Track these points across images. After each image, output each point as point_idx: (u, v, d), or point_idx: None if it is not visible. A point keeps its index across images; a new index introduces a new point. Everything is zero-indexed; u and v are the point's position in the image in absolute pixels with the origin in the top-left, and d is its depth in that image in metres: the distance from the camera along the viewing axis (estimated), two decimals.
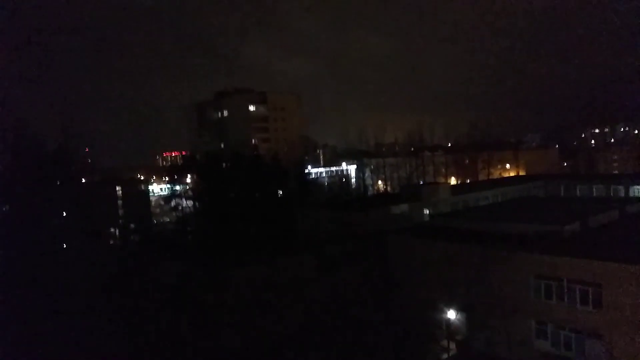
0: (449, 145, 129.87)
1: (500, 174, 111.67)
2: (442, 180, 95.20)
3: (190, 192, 73.60)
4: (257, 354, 30.86)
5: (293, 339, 32.30)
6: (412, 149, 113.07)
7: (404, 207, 53.61)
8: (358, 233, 45.67)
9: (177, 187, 76.14)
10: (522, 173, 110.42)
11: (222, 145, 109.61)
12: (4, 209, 43.42)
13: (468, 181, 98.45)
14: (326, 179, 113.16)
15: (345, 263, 39.79)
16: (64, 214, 56.40)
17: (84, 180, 77.73)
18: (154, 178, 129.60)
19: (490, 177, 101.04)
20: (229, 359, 30.16)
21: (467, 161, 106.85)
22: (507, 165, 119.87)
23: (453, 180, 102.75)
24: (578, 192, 67.19)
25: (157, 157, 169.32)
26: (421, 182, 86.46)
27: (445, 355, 31.84)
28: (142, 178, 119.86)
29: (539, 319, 29.08)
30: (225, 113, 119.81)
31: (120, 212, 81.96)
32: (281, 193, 73.73)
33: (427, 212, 53.71)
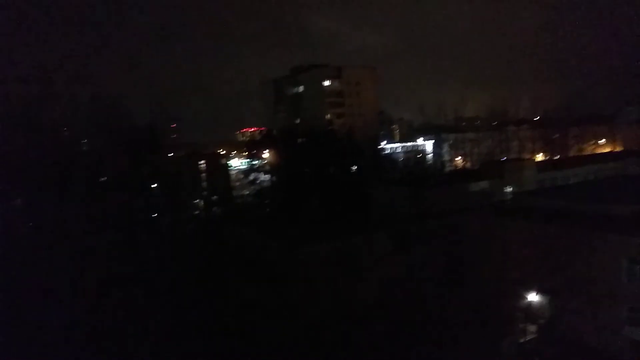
0: (537, 119, 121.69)
1: (593, 150, 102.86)
2: (528, 156, 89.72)
3: (267, 167, 75.91)
4: (335, 328, 31.46)
5: (367, 316, 32.55)
6: (495, 123, 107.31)
7: (484, 185, 51.49)
8: (435, 210, 44.60)
9: (255, 162, 78.79)
10: (618, 149, 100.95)
11: (298, 121, 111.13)
12: (102, 180, 47.57)
13: (557, 157, 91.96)
14: (402, 155, 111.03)
15: (421, 240, 39.15)
16: (155, 186, 60.62)
17: (171, 155, 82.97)
18: (234, 153, 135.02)
19: (582, 153, 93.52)
20: (308, 332, 31.05)
21: (557, 136, 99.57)
22: (602, 141, 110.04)
23: (540, 157, 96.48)
24: None
25: (237, 133, 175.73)
26: (504, 158, 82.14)
27: (525, 339, 30.58)
28: (223, 153, 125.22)
29: (632, 305, 26.86)
30: (301, 88, 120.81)
31: (203, 184, 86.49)
32: (356, 168, 73.67)
33: (510, 189, 51.16)
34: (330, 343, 29.91)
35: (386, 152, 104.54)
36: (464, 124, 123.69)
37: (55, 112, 40.85)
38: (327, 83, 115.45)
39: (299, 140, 72.76)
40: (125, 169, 48.20)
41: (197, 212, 72.14)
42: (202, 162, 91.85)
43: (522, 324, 31.18)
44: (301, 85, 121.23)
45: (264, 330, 30.92)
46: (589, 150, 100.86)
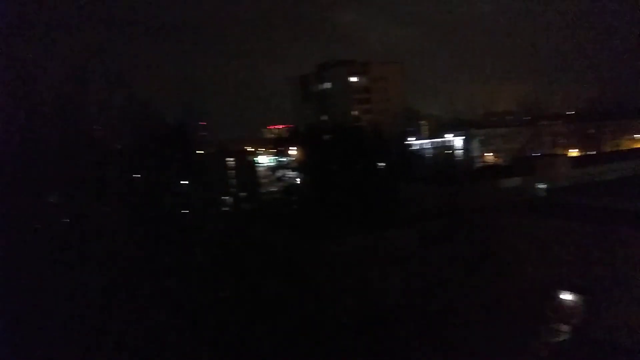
0: (571, 113, 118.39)
1: (630, 145, 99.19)
2: (561, 151, 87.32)
3: (294, 164, 76.37)
4: (362, 326, 31.34)
5: (391, 314, 32.30)
6: (527, 118, 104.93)
7: (515, 181, 50.45)
8: (463, 207, 43.95)
9: (282, 159, 79.33)
10: None
11: (325, 117, 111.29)
12: (134, 177, 48.76)
13: (592, 153, 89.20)
14: (430, 151, 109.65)
15: (449, 238, 38.67)
16: (185, 183, 61.73)
17: (201, 152, 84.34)
18: (262, 150, 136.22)
19: (619, 148, 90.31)
20: (335, 330, 31.03)
21: (592, 131, 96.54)
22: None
23: (575, 152, 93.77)
24: None
25: (264, 130, 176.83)
26: (537, 154, 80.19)
27: (556, 339, 29.84)
28: (251, 150, 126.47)
29: None
30: (327, 85, 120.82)
31: (232, 181, 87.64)
32: (383, 165, 73.26)
33: (543, 186, 49.95)
34: (363, 340, 29.89)
35: (414, 148, 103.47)
36: (494, 119, 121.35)
37: (89, 111, 42.02)
38: (353, 79, 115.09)
39: (326, 137, 72.86)
40: (157, 167, 49.32)
41: (226, 209, 73.18)
42: (231, 159, 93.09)
43: (555, 324, 30.43)
44: (327, 81, 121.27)
45: (296, 325, 31.09)
46: (626, 145, 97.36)
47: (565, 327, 30.15)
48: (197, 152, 76.86)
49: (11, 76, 31.83)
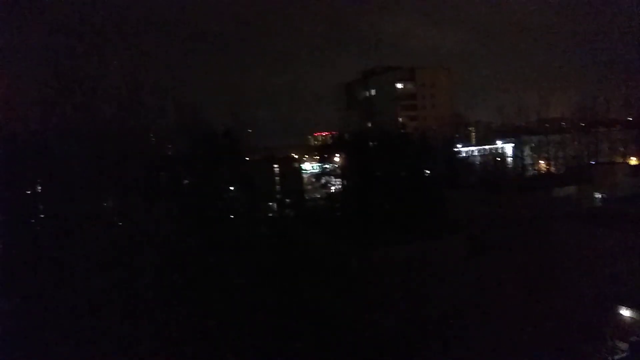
0: (630, 119, 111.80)
1: None
2: (620, 159, 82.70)
3: (338, 171, 76.44)
4: (408, 337, 30.79)
5: (438, 326, 31.56)
6: (583, 125, 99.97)
7: (570, 190, 48.27)
8: (514, 217, 42.49)
9: (327, 166, 79.58)
10: None
11: (370, 124, 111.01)
12: (185, 182, 50.46)
13: None
14: (479, 158, 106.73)
15: (498, 248, 37.48)
16: (233, 189, 63.19)
17: (248, 159, 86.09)
18: (306, 157, 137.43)
19: None
20: (378, 342, 30.67)
21: None
22: None
23: (635, 160, 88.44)
24: None
25: (309, 137, 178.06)
26: (593, 162, 76.36)
27: (613, 357, 28.17)
28: (296, 156, 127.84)
29: None
30: (373, 92, 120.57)
31: (278, 187, 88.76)
32: (430, 172, 72.03)
33: (600, 195, 47.52)
34: (409, 350, 29.40)
35: (462, 155, 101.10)
36: (547, 125, 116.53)
37: (143, 119, 43.86)
38: (399, 86, 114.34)
39: (371, 143, 72.56)
40: (207, 173, 50.76)
41: (271, 214, 74.22)
42: (277, 165, 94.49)
43: (612, 341, 28.79)
44: (373, 88, 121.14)
45: (336, 332, 31.05)
46: None
47: (624, 345, 28.47)
48: (244, 158, 78.51)
49: (67, 83, 33.45)
